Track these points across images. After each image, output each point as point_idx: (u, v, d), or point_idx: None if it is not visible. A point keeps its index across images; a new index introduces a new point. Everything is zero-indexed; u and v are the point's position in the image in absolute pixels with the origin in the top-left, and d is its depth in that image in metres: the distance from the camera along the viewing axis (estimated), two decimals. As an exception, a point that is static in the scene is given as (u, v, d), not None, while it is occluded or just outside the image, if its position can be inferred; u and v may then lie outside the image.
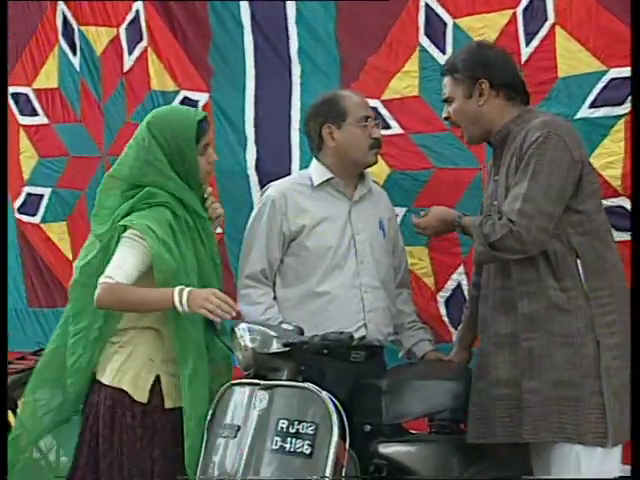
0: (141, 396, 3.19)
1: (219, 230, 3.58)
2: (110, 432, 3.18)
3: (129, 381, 3.20)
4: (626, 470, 3.12)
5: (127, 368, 3.22)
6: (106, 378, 3.23)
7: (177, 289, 3.02)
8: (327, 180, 3.52)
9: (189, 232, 3.25)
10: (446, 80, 3.32)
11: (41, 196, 5.09)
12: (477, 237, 3.14)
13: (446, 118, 3.37)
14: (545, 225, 3.03)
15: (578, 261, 3.09)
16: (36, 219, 5.10)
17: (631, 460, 2.94)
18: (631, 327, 3.05)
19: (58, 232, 5.04)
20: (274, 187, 3.56)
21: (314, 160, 3.60)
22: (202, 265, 3.26)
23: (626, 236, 3.41)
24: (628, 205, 3.44)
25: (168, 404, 3.21)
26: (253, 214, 3.56)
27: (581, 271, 3.09)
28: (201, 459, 3.04)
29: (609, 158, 3.47)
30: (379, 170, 3.91)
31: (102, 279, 3.08)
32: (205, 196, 3.45)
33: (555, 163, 3.03)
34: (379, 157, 3.82)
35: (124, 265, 3.09)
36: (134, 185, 3.28)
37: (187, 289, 3.02)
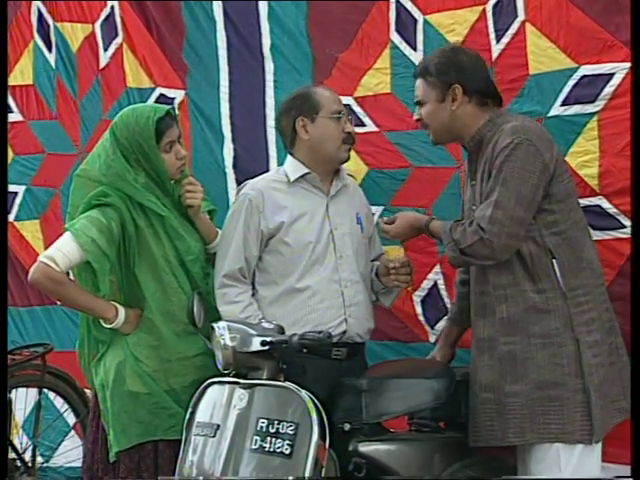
0: None
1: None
2: None
3: None
4: (626, 470, 3.14)
5: None
6: None
7: (122, 311, 3.33)
8: (303, 175, 3.49)
9: (136, 234, 3.35)
10: (418, 82, 3.30)
11: (15, 194, 5.04)
12: (447, 242, 3.15)
13: (417, 120, 3.36)
14: (515, 231, 3.04)
15: (554, 261, 3.10)
16: (9, 217, 5.03)
17: (631, 460, 2.95)
18: (632, 327, 3.06)
19: (32, 230, 5.00)
20: (250, 185, 3.54)
21: (289, 156, 3.58)
22: (155, 264, 3.37)
23: (603, 235, 3.43)
24: (605, 204, 3.45)
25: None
26: (229, 213, 3.53)
27: (557, 271, 3.09)
28: (179, 458, 3.02)
29: (584, 157, 3.47)
30: (357, 168, 3.90)
31: (46, 260, 3.27)
32: (183, 184, 3.45)
33: (526, 169, 3.04)
34: (356, 155, 3.82)
35: (65, 250, 3.31)
36: (99, 183, 3.38)
37: (124, 314, 3.33)
